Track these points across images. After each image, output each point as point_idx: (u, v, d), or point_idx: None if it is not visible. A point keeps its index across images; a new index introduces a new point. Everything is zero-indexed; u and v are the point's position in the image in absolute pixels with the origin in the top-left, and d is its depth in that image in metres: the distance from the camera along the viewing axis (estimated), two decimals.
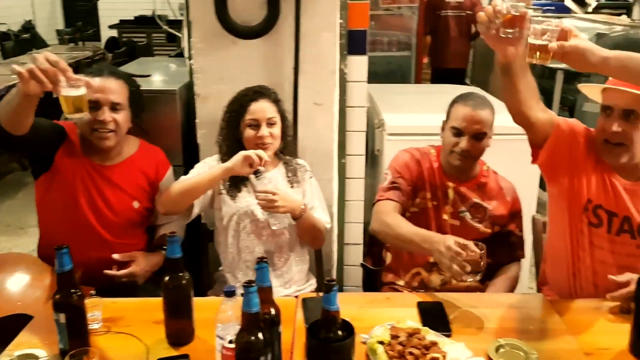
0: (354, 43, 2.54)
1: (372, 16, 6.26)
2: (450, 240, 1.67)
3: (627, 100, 1.73)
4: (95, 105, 1.98)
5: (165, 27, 4.38)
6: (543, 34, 1.46)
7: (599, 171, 1.84)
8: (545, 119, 1.81)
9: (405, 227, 1.92)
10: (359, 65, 2.59)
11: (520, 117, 1.77)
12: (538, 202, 4.13)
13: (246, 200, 2.12)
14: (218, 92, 2.38)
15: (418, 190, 2.10)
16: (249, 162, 1.92)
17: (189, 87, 2.56)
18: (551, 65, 4.57)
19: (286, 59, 2.38)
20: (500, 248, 2.13)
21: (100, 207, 2.08)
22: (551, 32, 1.46)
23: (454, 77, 5.70)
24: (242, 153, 1.94)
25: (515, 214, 2.16)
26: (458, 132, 2.02)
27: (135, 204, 2.14)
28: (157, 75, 3.02)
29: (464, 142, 2.00)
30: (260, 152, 1.94)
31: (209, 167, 2.12)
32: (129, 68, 3.09)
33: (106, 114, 2.01)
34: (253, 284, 1.24)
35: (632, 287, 1.59)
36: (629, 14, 4.42)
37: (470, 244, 1.64)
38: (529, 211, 2.77)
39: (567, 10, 5.35)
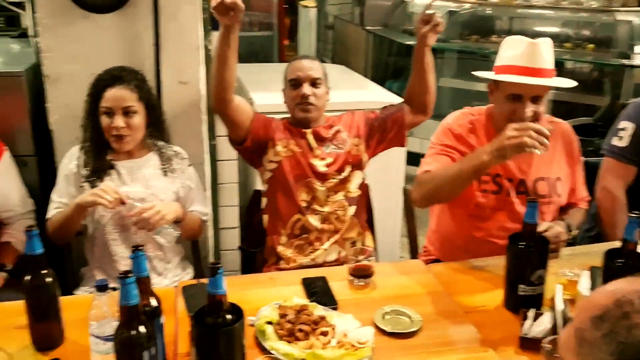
0: None
1: None
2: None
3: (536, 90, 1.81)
4: None
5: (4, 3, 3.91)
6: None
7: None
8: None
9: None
10: None
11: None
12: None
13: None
14: (70, 73, 2.18)
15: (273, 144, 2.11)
16: (97, 198, 1.83)
17: (36, 69, 2.31)
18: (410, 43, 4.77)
19: (145, 35, 2.23)
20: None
21: None
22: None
23: None
24: (88, 194, 1.86)
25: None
26: (296, 83, 2.10)
27: None
28: None
29: (302, 90, 2.08)
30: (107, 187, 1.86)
31: (68, 169, 1.99)
32: None
33: None
34: (130, 275, 1.13)
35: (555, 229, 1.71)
36: None
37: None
38: (397, 184, 2.88)
39: None
